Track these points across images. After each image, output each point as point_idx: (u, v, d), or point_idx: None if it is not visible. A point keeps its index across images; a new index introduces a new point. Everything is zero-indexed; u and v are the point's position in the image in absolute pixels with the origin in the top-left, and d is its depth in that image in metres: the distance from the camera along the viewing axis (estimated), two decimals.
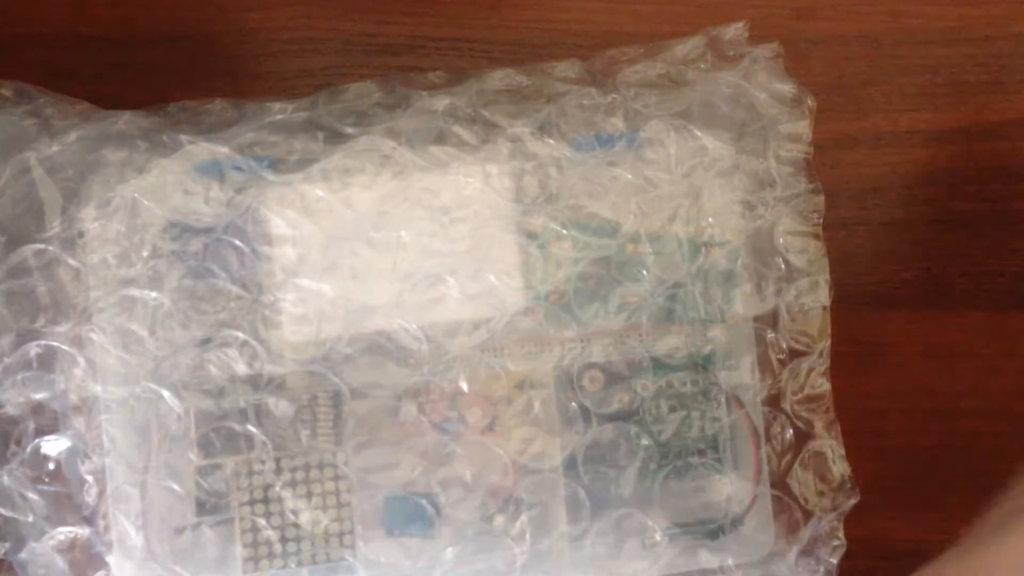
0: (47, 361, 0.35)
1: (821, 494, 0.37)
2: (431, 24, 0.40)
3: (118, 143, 0.36)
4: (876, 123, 0.40)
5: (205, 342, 0.35)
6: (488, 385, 0.36)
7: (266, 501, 0.35)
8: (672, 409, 0.37)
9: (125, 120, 0.36)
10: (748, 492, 0.37)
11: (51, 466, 0.35)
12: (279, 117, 0.36)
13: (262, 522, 0.35)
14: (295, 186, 0.36)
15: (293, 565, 0.35)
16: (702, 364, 0.37)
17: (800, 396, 0.37)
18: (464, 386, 0.36)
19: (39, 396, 0.35)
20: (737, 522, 0.37)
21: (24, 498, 0.35)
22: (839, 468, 0.37)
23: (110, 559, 0.35)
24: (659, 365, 0.37)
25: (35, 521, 0.35)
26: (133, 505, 0.35)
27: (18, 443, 0.35)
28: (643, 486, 0.37)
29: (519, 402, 0.36)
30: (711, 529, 0.37)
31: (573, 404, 0.36)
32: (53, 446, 0.35)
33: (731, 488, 0.37)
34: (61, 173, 0.35)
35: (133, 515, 0.35)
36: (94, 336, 0.35)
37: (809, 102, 0.38)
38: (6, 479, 0.35)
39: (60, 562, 0.35)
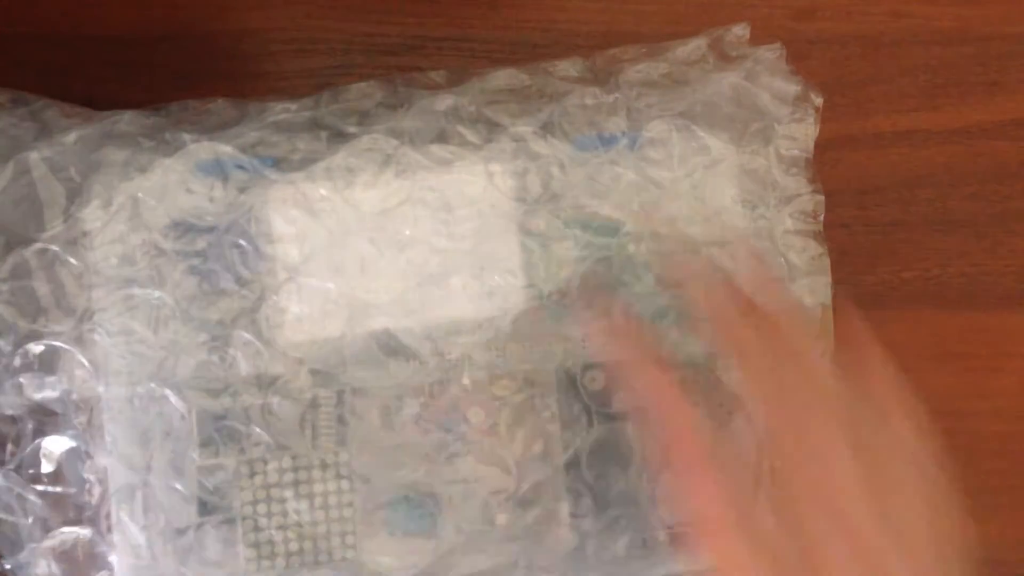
0: (49, 361, 0.35)
1: None
2: (431, 24, 0.40)
3: (120, 142, 0.36)
4: (876, 123, 0.40)
5: (208, 341, 0.35)
6: (491, 384, 0.36)
7: (268, 501, 0.35)
8: None
9: (127, 120, 0.36)
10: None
11: (51, 467, 0.35)
12: (282, 117, 0.36)
13: (265, 522, 0.35)
14: (298, 185, 0.36)
15: (296, 565, 0.35)
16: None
17: None
18: (467, 385, 0.36)
19: (40, 396, 0.35)
20: None
21: (23, 500, 0.35)
22: None
23: (113, 559, 0.35)
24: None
25: (34, 522, 0.35)
26: (136, 505, 0.35)
27: (16, 444, 0.35)
28: (645, 485, 0.37)
29: (521, 401, 0.36)
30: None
31: (575, 403, 0.36)
32: (54, 446, 0.35)
33: None
34: (63, 173, 0.35)
35: (136, 515, 0.35)
36: (96, 336, 0.35)
37: (815, 100, 0.38)
38: (2, 480, 0.35)
39: (60, 563, 0.35)
